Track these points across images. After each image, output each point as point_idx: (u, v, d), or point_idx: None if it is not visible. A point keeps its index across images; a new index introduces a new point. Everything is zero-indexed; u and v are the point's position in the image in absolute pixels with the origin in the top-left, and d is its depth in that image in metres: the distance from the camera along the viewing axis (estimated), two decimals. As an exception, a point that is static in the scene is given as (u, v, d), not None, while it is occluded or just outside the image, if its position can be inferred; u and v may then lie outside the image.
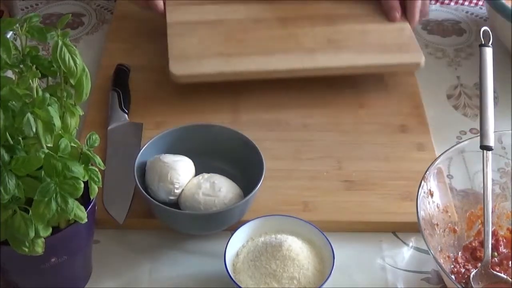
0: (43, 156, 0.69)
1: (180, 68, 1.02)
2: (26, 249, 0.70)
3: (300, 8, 1.13)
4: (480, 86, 0.86)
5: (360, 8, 1.13)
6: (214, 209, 0.84)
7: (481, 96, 0.85)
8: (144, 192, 0.85)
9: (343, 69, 1.03)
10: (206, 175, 0.87)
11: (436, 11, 1.28)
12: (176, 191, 0.85)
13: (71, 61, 0.70)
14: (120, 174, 0.91)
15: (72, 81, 0.71)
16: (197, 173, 0.88)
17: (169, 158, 0.87)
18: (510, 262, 0.83)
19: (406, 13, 1.11)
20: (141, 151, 0.89)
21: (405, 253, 0.88)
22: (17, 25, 0.69)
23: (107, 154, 0.95)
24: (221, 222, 0.85)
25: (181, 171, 0.86)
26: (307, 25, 1.10)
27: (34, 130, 0.67)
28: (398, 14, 1.10)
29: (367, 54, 1.05)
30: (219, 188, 0.85)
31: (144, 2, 1.12)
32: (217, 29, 1.09)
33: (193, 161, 0.89)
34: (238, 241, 0.83)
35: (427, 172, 0.84)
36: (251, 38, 1.07)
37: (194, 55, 1.04)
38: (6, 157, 0.67)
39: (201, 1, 1.14)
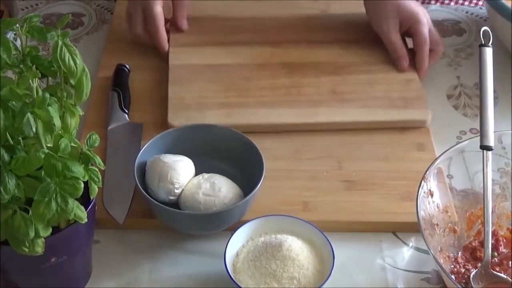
0: (43, 156, 0.69)
1: (179, 120, 0.98)
2: (26, 249, 0.70)
3: (306, 54, 1.09)
4: (480, 86, 0.86)
5: (368, 55, 1.10)
6: (214, 209, 0.84)
7: (481, 96, 0.85)
8: (144, 192, 0.85)
9: (345, 124, 1.00)
10: (206, 175, 0.87)
11: (436, 11, 1.28)
12: (176, 191, 0.85)
13: (71, 61, 0.70)
14: (120, 174, 0.91)
15: (72, 81, 0.71)
16: (197, 173, 0.88)
17: (169, 158, 0.87)
18: (510, 262, 0.83)
19: (415, 62, 1.08)
20: (141, 151, 0.89)
21: (405, 253, 0.88)
22: (17, 25, 0.69)
23: (107, 154, 0.95)
24: (221, 222, 0.85)
25: (181, 171, 0.86)
26: (312, 74, 1.06)
27: (34, 130, 0.67)
28: (406, 64, 1.08)
29: (372, 108, 1.01)
30: (219, 188, 0.85)
31: (148, 40, 1.11)
32: (219, 74, 1.06)
33: (193, 161, 0.89)
34: (238, 241, 0.83)
35: (427, 172, 0.84)
36: (253, 87, 1.04)
37: (194, 105, 1.01)
38: (6, 157, 0.67)
39: (205, 43, 1.12)
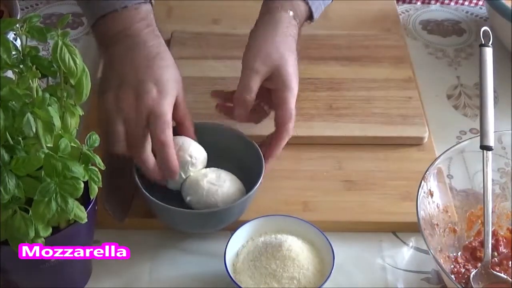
0: (43, 156, 0.69)
1: None
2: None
3: (306, 70, 1.07)
4: (480, 86, 0.86)
5: (367, 73, 1.08)
6: (216, 197, 0.84)
7: (481, 96, 0.86)
8: (144, 191, 0.84)
9: (340, 138, 0.99)
10: (214, 168, 0.88)
11: (436, 11, 1.28)
12: (190, 167, 0.86)
13: (71, 61, 0.70)
14: (120, 174, 0.91)
15: (72, 81, 0.72)
16: (197, 172, 0.89)
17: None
18: (510, 262, 0.83)
19: (271, 139, 0.90)
20: (141, 151, 0.88)
21: (405, 253, 0.88)
22: (17, 25, 0.70)
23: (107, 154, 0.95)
24: (220, 220, 0.85)
25: (200, 153, 0.87)
26: (311, 88, 1.05)
27: (34, 130, 0.67)
28: (243, 115, 0.90)
29: (367, 124, 1.00)
30: (224, 180, 0.85)
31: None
32: (215, 87, 1.04)
33: (193, 160, 0.89)
34: (238, 241, 0.83)
35: (427, 172, 0.84)
36: None
37: None
38: (6, 157, 0.67)
39: (204, 57, 1.11)
